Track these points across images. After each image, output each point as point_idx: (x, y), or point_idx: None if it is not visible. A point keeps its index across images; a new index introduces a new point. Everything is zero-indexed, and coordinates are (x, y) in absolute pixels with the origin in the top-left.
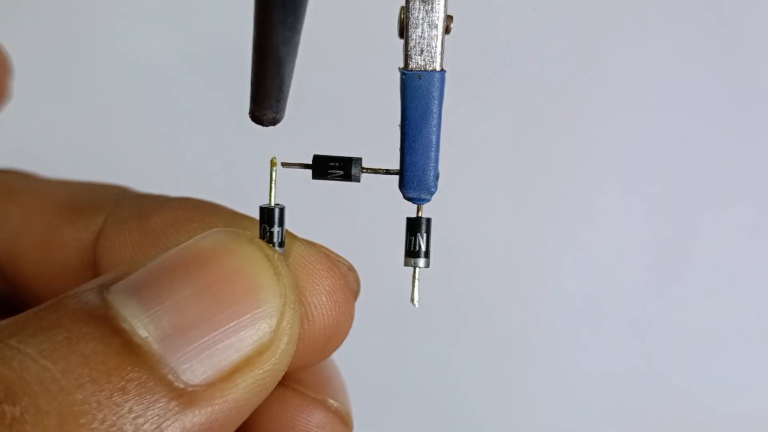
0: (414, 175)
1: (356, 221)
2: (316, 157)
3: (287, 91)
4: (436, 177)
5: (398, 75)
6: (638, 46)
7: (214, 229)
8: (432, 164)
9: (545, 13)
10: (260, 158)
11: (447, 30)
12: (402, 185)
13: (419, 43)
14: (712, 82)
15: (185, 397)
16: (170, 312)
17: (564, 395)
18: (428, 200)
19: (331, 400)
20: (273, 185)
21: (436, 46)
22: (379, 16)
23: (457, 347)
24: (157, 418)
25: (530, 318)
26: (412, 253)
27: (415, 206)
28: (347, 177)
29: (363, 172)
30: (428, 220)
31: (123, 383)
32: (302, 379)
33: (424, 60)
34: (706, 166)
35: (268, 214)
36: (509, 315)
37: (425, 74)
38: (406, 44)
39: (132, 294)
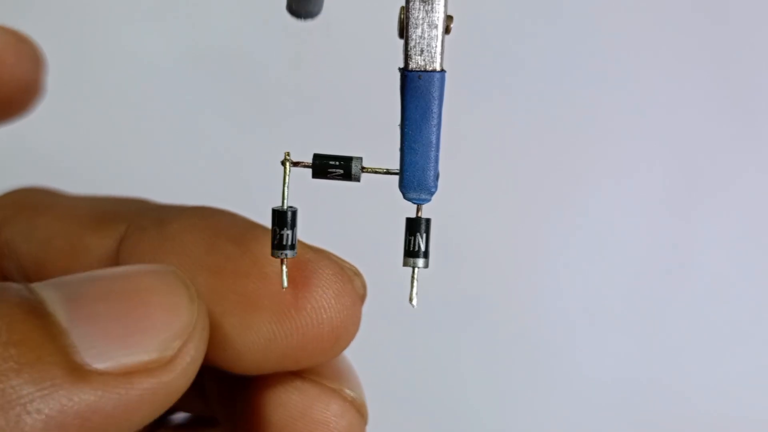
0: (414, 175)
1: (356, 221)
2: (316, 156)
3: None
4: (436, 177)
5: (398, 75)
6: (642, 49)
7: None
8: (432, 164)
9: (547, 16)
10: (260, 158)
11: (447, 30)
12: (402, 185)
13: (419, 43)
14: (714, 85)
15: (79, 372)
16: (87, 301)
17: (566, 397)
18: (428, 200)
19: (347, 390)
20: (286, 188)
21: (436, 46)
22: (379, 16)
23: (457, 348)
24: (40, 377)
25: (531, 320)
26: (411, 253)
27: (415, 206)
28: (347, 176)
29: (363, 171)
30: (428, 221)
31: (20, 337)
32: (319, 371)
33: (424, 60)
34: (708, 170)
35: (279, 217)
36: (509, 316)
37: (425, 74)
38: (406, 44)
39: (54, 285)
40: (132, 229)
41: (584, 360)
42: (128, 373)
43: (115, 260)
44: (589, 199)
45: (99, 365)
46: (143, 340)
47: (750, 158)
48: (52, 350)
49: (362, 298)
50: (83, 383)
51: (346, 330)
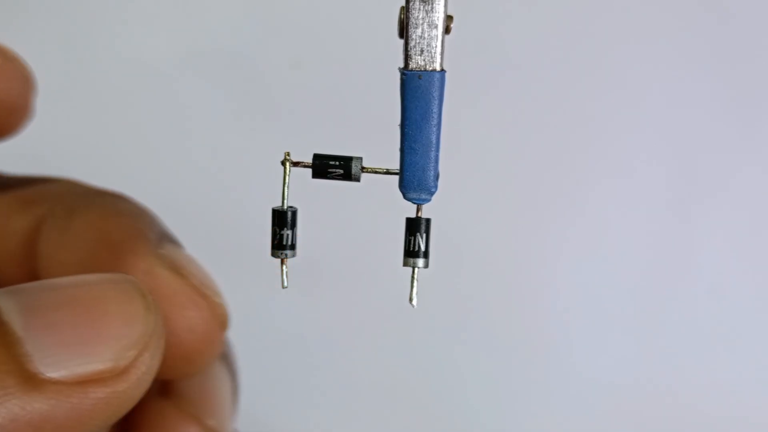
0: (414, 175)
1: (356, 221)
2: (316, 156)
3: None
4: (437, 177)
5: (398, 75)
6: (643, 48)
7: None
8: (432, 164)
9: (547, 14)
10: (260, 158)
11: (447, 30)
12: (402, 185)
13: (419, 43)
14: (716, 83)
15: (33, 381)
16: (43, 310)
17: (566, 398)
18: (428, 200)
19: (208, 420)
20: (286, 188)
21: (436, 46)
22: (379, 16)
23: (456, 348)
24: None
25: (530, 320)
26: (411, 253)
27: (415, 206)
28: (347, 176)
29: (363, 171)
30: (428, 221)
31: None
32: (184, 392)
33: (424, 60)
34: (709, 169)
35: (279, 217)
36: (509, 316)
37: (425, 74)
38: (406, 44)
39: (10, 292)
40: (49, 213)
41: (584, 360)
42: (82, 382)
43: (36, 242)
44: (589, 199)
45: (53, 374)
46: (98, 350)
47: (751, 158)
48: (6, 359)
49: (220, 321)
50: (36, 392)
51: (200, 356)
